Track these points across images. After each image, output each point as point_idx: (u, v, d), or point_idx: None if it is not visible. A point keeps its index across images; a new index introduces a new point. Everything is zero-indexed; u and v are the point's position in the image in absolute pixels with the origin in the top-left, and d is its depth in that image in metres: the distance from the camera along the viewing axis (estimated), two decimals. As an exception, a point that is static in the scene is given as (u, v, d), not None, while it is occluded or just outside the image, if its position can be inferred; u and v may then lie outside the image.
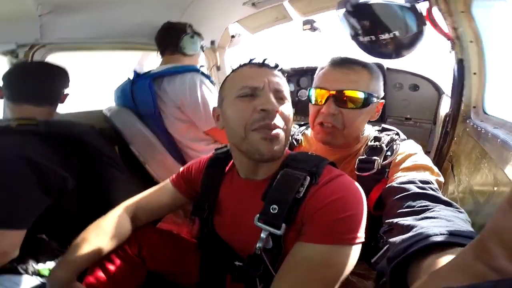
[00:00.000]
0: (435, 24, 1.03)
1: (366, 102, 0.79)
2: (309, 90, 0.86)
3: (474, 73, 1.04)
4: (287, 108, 0.69)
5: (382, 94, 0.85)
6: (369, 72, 0.81)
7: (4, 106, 1.04)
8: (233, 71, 0.75)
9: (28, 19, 1.31)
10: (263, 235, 0.62)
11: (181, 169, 0.90)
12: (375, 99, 0.81)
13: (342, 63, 0.80)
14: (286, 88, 0.71)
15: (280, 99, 0.68)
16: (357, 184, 0.65)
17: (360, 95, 0.78)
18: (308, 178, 0.63)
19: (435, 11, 1.01)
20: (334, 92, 0.78)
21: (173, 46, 1.40)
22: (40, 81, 1.03)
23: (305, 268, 0.56)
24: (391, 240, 0.52)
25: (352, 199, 0.60)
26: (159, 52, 1.47)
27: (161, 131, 1.37)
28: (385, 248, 0.56)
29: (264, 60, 0.72)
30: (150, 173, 1.33)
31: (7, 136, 0.86)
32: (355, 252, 0.58)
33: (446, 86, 1.44)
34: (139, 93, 1.33)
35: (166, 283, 0.91)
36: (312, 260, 0.57)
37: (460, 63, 1.06)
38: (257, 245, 0.63)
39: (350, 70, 0.79)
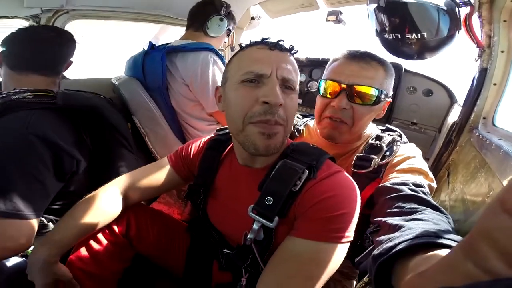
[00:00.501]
0: (469, 30, 1.00)
1: (378, 99, 0.77)
2: (320, 81, 0.82)
3: (494, 84, 1.00)
4: (293, 100, 0.65)
5: (391, 92, 0.83)
6: (385, 70, 0.78)
7: (4, 76, 0.94)
8: (241, 49, 0.68)
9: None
10: (255, 226, 0.61)
11: (180, 148, 0.87)
12: (384, 97, 0.79)
13: (360, 57, 0.77)
14: (296, 77, 0.66)
15: (287, 88, 0.63)
16: (354, 182, 0.63)
17: (374, 92, 0.76)
18: (307, 171, 0.61)
19: (473, 17, 0.98)
20: (347, 86, 0.76)
21: (199, 24, 1.37)
22: (50, 49, 0.96)
23: (294, 263, 0.56)
24: (378, 238, 0.51)
25: (347, 197, 0.59)
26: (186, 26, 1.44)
27: (165, 106, 1.36)
28: (370, 248, 0.56)
29: (278, 41, 0.66)
30: (148, 147, 1.32)
31: (23, 111, 0.78)
32: (344, 250, 0.58)
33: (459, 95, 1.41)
34: (150, 64, 1.31)
35: (152, 266, 0.89)
36: (301, 256, 0.56)
37: (483, 72, 1.03)
38: (248, 236, 0.62)
39: (367, 65, 0.76)
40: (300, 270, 0.55)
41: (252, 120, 0.60)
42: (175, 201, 1.15)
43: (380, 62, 0.78)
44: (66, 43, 1.01)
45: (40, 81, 0.92)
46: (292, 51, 0.67)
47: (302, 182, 0.60)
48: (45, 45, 0.95)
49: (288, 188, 0.60)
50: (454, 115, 1.27)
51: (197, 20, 1.37)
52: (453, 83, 1.48)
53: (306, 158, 0.63)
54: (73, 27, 1.53)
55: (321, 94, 0.82)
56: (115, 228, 0.78)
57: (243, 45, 0.69)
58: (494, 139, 0.82)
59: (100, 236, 0.76)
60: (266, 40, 0.66)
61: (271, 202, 0.60)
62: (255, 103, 0.60)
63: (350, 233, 0.58)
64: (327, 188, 0.59)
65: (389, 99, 0.83)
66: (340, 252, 0.57)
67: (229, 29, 1.45)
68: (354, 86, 0.75)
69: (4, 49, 0.92)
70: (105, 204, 0.75)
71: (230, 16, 1.42)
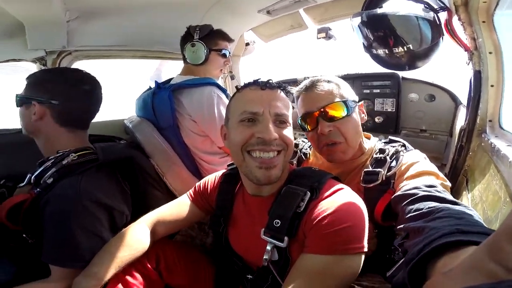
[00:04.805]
0: (453, 35, 1.02)
1: (348, 108, 0.84)
2: (298, 120, 0.90)
3: (492, 86, 1.00)
4: (288, 132, 0.72)
5: (356, 98, 0.91)
6: (335, 84, 0.87)
7: (50, 130, 0.92)
8: (237, 90, 0.78)
9: (56, 25, 1.37)
10: (268, 247, 0.68)
11: (197, 184, 0.95)
12: (353, 103, 0.86)
13: (311, 87, 0.86)
14: (287, 111, 0.74)
15: (281, 123, 0.71)
16: (357, 196, 0.68)
17: (340, 104, 0.83)
18: (309, 193, 0.67)
19: (454, 21, 0.99)
20: (318, 111, 0.83)
21: (183, 56, 1.41)
22: (98, 106, 0.99)
23: (306, 278, 0.60)
24: (405, 244, 0.54)
25: (350, 211, 0.63)
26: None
27: (178, 143, 1.39)
28: (402, 261, 0.57)
29: (268, 80, 0.75)
30: (167, 185, 1.34)
31: (72, 176, 0.84)
32: (356, 262, 0.61)
33: (464, 97, 1.40)
34: (159, 104, 1.35)
35: None
36: (312, 270, 0.60)
37: (478, 74, 1.03)
38: (264, 257, 0.68)
39: (320, 88, 0.85)
40: (312, 285, 0.59)
41: (248, 148, 0.69)
42: (196, 234, 1.20)
43: (326, 81, 0.87)
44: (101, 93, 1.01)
45: (83, 136, 0.98)
46: (282, 88, 0.75)
47: (306, 203, 0.66)
48: (98, 104, 0.99)
49: (292, 209, 0.66)
50: (462, 117, 1.26)
51: (182, 53, 1.42)
52: (451, 85, 1.46)
53: (308, 181, 0.70)
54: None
55: (307, 130, 0.88)
56: (146, 262, 0.86)
57: (239, 87, 0.78)
58: (503, 145, 0.82)
59: (133, 271, 0.83)
60: (258, 81, 0.75)
61: (279, 224, 0.67)
62: (252, 137, 0.69)
63: (360, 244, 0.61)
64: (330, 205, 0.64)
65: (360, 102, 0.92)
66: (351, 263, 0.61)
67: (217, 50, 1.39)
68: (322, 108, 0.83)
69: (56, 102, 0.90)
70: (135, 239, 0.82)
71: (209, 37, 1.36)
